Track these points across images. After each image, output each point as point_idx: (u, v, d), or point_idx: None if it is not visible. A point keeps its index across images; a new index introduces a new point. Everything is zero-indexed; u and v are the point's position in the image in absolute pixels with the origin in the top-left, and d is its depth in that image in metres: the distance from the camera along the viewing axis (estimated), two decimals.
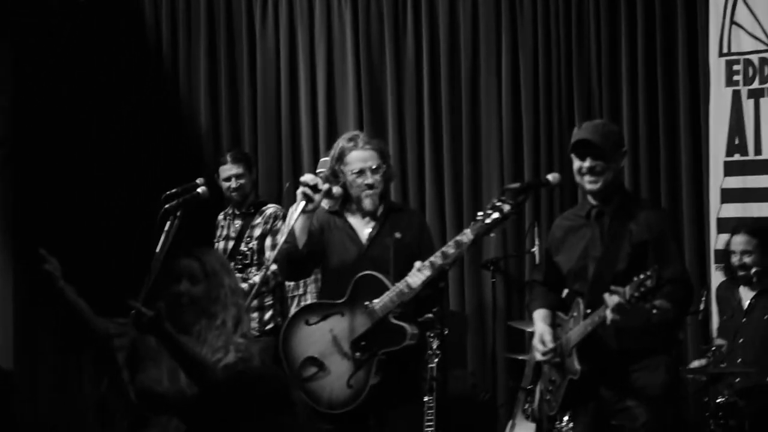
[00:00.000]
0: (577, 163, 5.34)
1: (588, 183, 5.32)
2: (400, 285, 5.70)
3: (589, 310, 5.18)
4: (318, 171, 7.15)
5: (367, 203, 5.98)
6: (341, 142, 6.06)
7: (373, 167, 5.96)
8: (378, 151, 6.01)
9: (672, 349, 5.50)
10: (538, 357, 5.48)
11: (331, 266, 6.06)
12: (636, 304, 4.87)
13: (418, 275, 5.65)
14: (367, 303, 5.81)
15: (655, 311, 4.98)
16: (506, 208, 5.37)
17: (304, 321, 6.01)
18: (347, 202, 6.08)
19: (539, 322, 5.55)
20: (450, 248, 5.60)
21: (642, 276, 4.83)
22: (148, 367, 4.67)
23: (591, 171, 5.27)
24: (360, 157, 5.97)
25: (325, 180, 5.99)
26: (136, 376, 4.68)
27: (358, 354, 5.82)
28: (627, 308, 4.90)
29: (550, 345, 5.39)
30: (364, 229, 6.03)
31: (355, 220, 6.06)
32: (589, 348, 5.23)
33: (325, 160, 7.23)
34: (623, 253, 5.20)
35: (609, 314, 4.97)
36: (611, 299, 4.94)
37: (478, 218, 5.44)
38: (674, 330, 5.55)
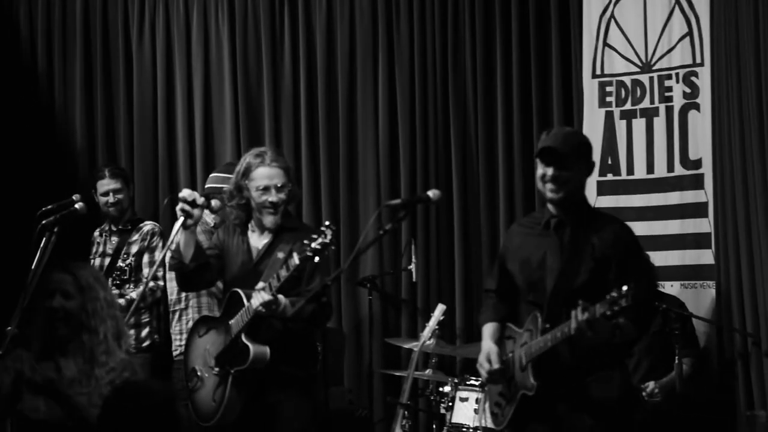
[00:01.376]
0: (540, 170, 5.18)
1: (549, 192, 5.17)
2: (246, 304, 5.80)
3: (548, 325, 5.03)
4: (207, 186, 7.14)
5: (269, 220, 6.03)
6: (248, 158, 6.10)
7: (279, 185, 6.00)
8: (284, 170, 6.06)
9: (625, 361, 5.40)
10: (483, 375, 5.31)
11: (226, 279, 6.12)
12: (604, 323, 4.73)
13: (257, 296, 5.74)
14: (230, 320, 5.91)
15: (618, 331, 4.85)
16: (329, 234, 5.50)
17: (197, 333, 6.17)
18: (249, 217, 6.11)
19: (487, 339, 5.39)
20: (282, 270, 5.69)
21: (615, 294, 4.63)
22: (27, 397, 4.61)
23: (554, 180, 5.13)
24: (266, 174, 6.00)
25: (229, 195, 6.05)
26: (17, 405, 4.62)
27: (216, 369, 5.95)
28: (596, 326, 4.75)
29: (496, 365, 5.22)
30: (258, 244, 6.06)
31: (253, 235, 6.09)
32: (543, 362, 5.06)
33: (215, 175, 7.23)
34: (585, 267, 5.07)
35: (574, 331, 4.81)
36: (580, 316, 4.76)
37: (305, 242, 5.53)
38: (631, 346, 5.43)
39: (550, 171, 5.14)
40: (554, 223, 5.25)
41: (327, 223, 5.62)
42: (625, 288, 4.60)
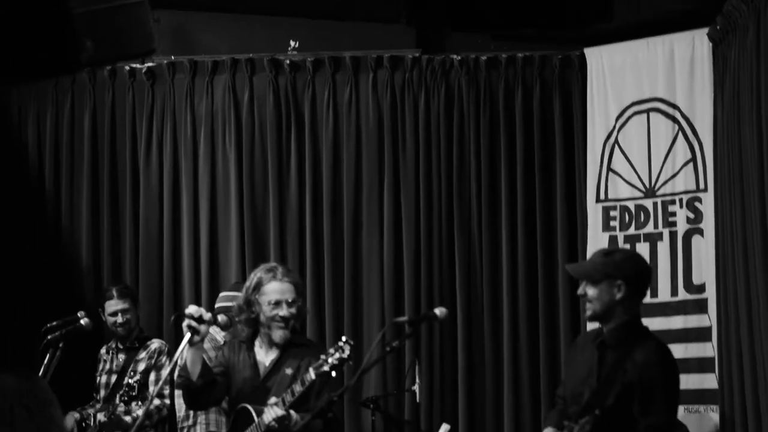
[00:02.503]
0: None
1: (586, 309, 5.46)
2: (257, 419, 5.79)
3: None
4: (217, 305, 7.14)
5: (278, 335, 6.03)
6: (259, 273, 6.13)
7: (290, 300, 6.02)
8: (295, 285, 6.09)
9: None
10: None
11: (232, 396, 6.09)
12: None
13: (270, 411, 5.74)
14: None
15: None
16: (347, 349, 5.51)
17: None
18: (257, 332, 6.11)
19: None
20: (297, 386, 5.73)
21: (584, 420, 4.85)
22: None
23: (582, 298, 5.44)
24: (278, 289, 6.04)
25: (238, 309, 6.07)
26: None
27: None
28: None
29: None
30: (266, 360, 6.06)
31: (260, 351, 6.09)
32: None
33: (225, 294, 7.24)
34: (614, 390, 5.17)
35: None
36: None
37: (322, 357, 5.56)
38: None
39: (579, 289, 5.42)
40: (599, 341, 5.42)
41: (344, 338, 5.64)
42: (588, 416, 4.85)
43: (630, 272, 5.40)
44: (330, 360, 5.56)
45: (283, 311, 6.00)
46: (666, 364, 5.35)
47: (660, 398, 5.19)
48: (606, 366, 5.33)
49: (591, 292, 5.36)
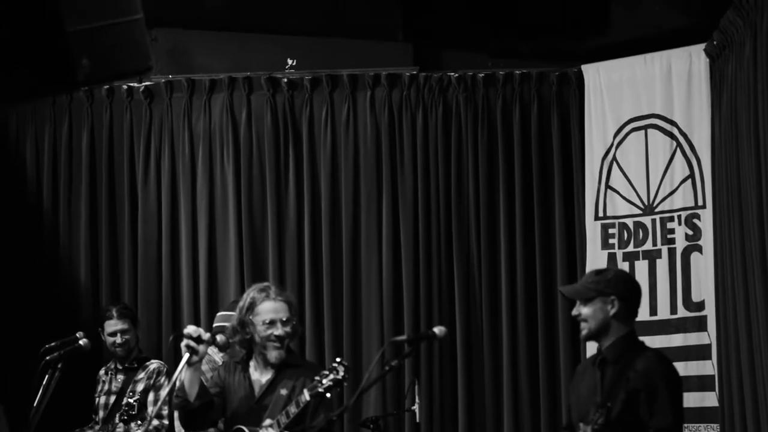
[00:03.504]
0: None
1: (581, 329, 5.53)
2: None
3: None
4: (215, 325, 7.12)
5: (273, 355, 6.02)
6: (252, 293, 6.12)
7: (284, 319, 6.02)
8: (289, 304, 6.08)
9: None
10: None
11: (228, 416, 6.07)
12: None
13: None
14: None
15: None
16: (341, 370, 5.51)
17: None
18: (251, 352, 6.09)
19: None
20: (292, 407, 5.72)
21: (596, 415, 4.91)
22: None
23: (577, 318, 5.51)
24: (271, 308, 6.03)
25: (232, 330, 6.05)
26: None
27: None
28: None
29: None
30: (261, 380, 6.04)
31: (255, 371, 6.07)
32: None
33: (222, 314, 7.22)
34: (619, 398, 5.24)
35: None
36: None
37: (316, 378, 5.55)
38: None
39: (574, 310, 5.52)
40: (599, 360, 5.49)
41: (339, 359, 5.63)
42: (600, 409, 4.91)
43: (622, 288, 5.51)
44: (324, 381, 5.55)
45: (278, 330, 5.99)
46: (668, 369, 5.44)
47: (664, 401, 5.27)
48: (608, 380, 5.38)
49: (585, 311, 5.45)
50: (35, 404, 5.78)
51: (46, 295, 9.00)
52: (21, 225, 9.14)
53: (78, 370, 7.06)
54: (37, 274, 9.06)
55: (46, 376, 5.99)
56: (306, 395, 5.61)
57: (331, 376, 5.54)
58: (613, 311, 5.43)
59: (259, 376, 6.08)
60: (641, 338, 5.63)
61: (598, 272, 5.63)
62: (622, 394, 5.25)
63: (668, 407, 5.28)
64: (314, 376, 5.80)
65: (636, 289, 5.64)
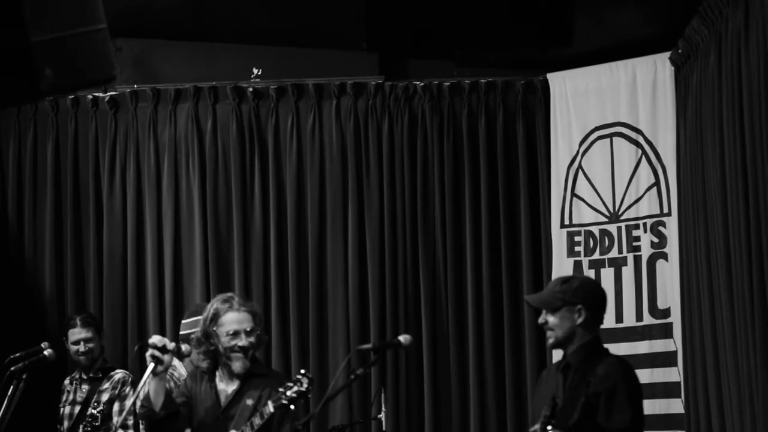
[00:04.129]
0: None
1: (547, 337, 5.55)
2: None
3: None
4: (182, 333, 7.09)
5: (238, 365, 6.02)
6: (216, 303, 6.11)
7: (248, 329, 6.01)
8: (252, 314, 6.07)
9: None
10: None
11: (194, 426, 6.06)
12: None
13: None
14: None
15: None
16: (305, 382, 5.52)
17: None
18: (217, 363, 6.08)
19: None
20: (256, 418, 5.73)
21: (545, 408, 4.93)
22: None
23: (544, 327, 5.52)
24: (235, 319, 6.02)
25: (197, 342, 6.04)
26: None
27: None
28: None
29: None
30: (227, 390, 6.03)
31: (221, 381, 6.06)
32: None
33: (186, 321, 7.19)
34: (579, 405, 5.21)
35: None
36: None
37: (280, 390, 5.55)
38: None
39: (540, 318, 5.52)
40: (563, 365, 5.52)
41: (303, 371, 5.63)
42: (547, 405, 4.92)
43: (588, 297, 5.53)
44: (288, 393, 5.55)
45: (242, 341, 5.99)
46: (627, 372, 5.45)
47: (623, 400, 5.27)
48: (569, 384, 5.40)
49: (552, 320, 5.47)
50: (0, 414, 5.74)
51: (10, 304, 8.94)
52: None
53: (43, 381, 7.02)
54: (2, 284, 9.00)
55: (11, 387, 5.95)
56: (270, 407, 5.62)
57: (295, 388, 5.54)
58: (579, 320, 5.45)
59: (225, 387, 6.08)
60: (607, 345, 5.65)
61: (564, 281, 5.64)
62: (582, 398, 5.23)
63: (627, 407, 5.27)
64: (280, 386, 5.80)
65: (602, 297, 5.67)
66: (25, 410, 6.37)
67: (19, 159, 9.23)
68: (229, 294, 6.28)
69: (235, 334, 5.98)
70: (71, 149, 9.17)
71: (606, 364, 5.40)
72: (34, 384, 6.13)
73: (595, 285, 5.84)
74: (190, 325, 7.01)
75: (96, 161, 9.18)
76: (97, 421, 7.41)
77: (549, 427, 4.91)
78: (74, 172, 9.19)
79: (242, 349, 5.98)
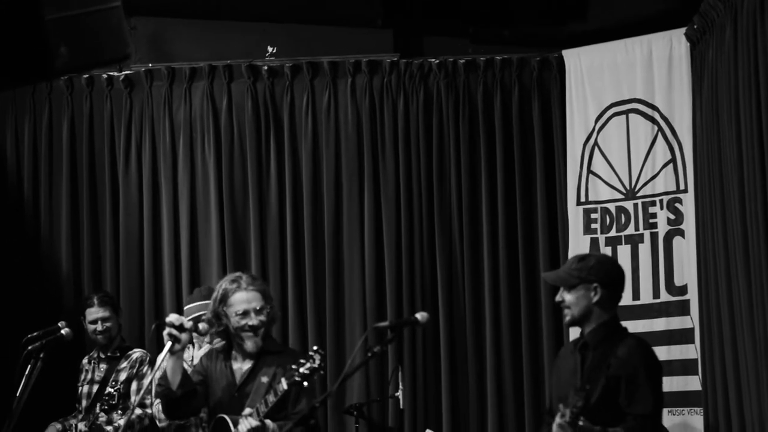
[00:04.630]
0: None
1: (564, 315, 5.56)
2: (233, 430, 5.79)
3: None
4: (194, 315, 7.08)
5: (250, 344, 6.04)
6: (224, 284, 6.13)
7: (257, 308, 6.03)
8: (261, 293, 6.08)
9: None
10: None
11: (210, 405, 6.07)
12: (574, 423, 4.88)
13: (244, 422, 5.77)
14: None
15: None
16: (317, 358, 5.52)
17: None
18: (231, 343, 6.10)
19: None
20: (270, 395, 5.75)
21: (576, 397, 4.88)
22: None
23: (561, 305, 5.54)
24: (244, 299, 6.04)
25: (208, 323, 6.05)
26: None
27: None
28: (567, 428, 4.90)
29: None
30: (242, 368, 6.04)
31: (235, 360, 6.08)
32: None
33: (197, 304, 7.18)
34: (599, 385, 5.26)
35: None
36: (556, 420, 4.96)
37: (293, 367, 5.55)
38: None
39: (557, 296, 5.54)
40: (580, 343, 5.52)
41: (315, 347, 5.64)
42: (579, 392, 4.85)
43: (604, 275, 5.51)
44: (301, 370, 5.55)
45: (252, 320, 6.01)
46: (647, 356, 5.46)
47: (644, 388, 5.29)
48: (589, 365, 5.41)
49: (568, 297, 5.48)
50: (17, 394, 5.76)
51: (28, 285, 8.96)
52: (1, 215, 9.09)
53: (60, 360, 7.04)
54: (19, 265, 9.02)
55: (29, 366, 5.96)
56: (284, 384, 5.62)
57: (308, 365, 5.55)
58: (596, 298, 5.45)
59: (240, 365, 6.09)
60: (624, 323, 5.65)
61: (581, 258, 5.63)
62: (602, 380, 5.27)
63: (649, 394, 5.30)
64: (293, 362, 5.80)
65: (619, 275, 5.65)
66: (43, 389, 6.39)
67: (35, 138, 9.24)
68: (238, 274, 6.29)
69: (245, 313, 6.00)
70: (86, 128, 9.18)
71: (626, 346, 5.39)
72: (51, 363, 6.15)
73: (612, 263, 5.80)
74: (201, 308, 7.02)
75: (111, 140, 9.18)
76: (114, 400, 7.44)
77: (580, 421, 4.89)
78: (89, 151, 9.19)
79: (252, 328, 6.00)
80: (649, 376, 5.34)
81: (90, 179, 9.17)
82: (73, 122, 9.19)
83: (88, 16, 3.23)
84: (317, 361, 5.58)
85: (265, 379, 5.92)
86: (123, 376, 7.55)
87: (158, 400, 6.61)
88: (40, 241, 9.17)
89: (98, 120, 9.19)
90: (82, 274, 9.12)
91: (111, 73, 9.11)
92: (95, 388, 7.59)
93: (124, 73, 9.10)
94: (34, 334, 6.15)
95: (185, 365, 6.60)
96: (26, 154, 9.22)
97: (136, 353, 7.68)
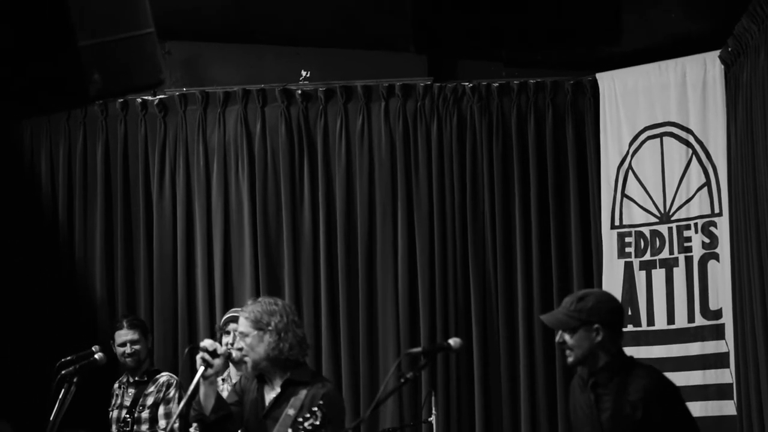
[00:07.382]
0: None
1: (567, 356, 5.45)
2: None
3: None
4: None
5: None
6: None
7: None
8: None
9: None
10: None
11: (243, 426, 6.05)
12: None
13: None
14: None
15: None
16: (319, 415, 5.47)
17: None
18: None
19: None
20: None
21: None
22: None
23: (560, 346, 5.41)
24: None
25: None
26: None
27: None
28: None
29: None
30: (270, 395, 6.02)
31: (266, 386, 6.06)
32: None
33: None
34: (625, 413, 5.20)
35: None
36: None
37: (299, 420, 5.50)
38: None
39: (557, 337, 5.40)
40: (591, 383, 5.39)
41: (321, 402, 5.53)
42: None
43: (605, 315, 5.37)
44: (306, 424, 5.49)
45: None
46: (660, 388, 5.33)
47: (670, 422, 5.21)
48: (605, 403, 5.31)
49: (570, 341, 5.34)
50: (51, 418, 5.76)
51: (62, 309, 9.00)
52: (36, 239, 9.14)
53: (94, 384, 7.05)
54: (53, 288, 9.06)
55: (62, 391, 5.97)
56: None
57: (311, 421, 5.47)
58: (598, 339, 5.31)
59: (269, 392, 6.06)
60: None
61: (579, 298, 5.47)
62: (626, 408, 5.19)
63: (686, 421, 5.24)
64: (318, 397, 5.72)
65: (619, 313, 5.53)
66: (77, 414, 6.39)
67: (69, 163, 9.28)
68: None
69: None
70: (121, 153, 9.22)
71: (636, 381, 5.28)
72: (85, 388, 6.16)
73: (610, 299, 5.62)
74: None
75: (146, 164, 9.21)
76: (128, 427, 7.42)
77: None
78: (124, 176, 9.23)
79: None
80: (670, 412, 5.25)
81: (124, 203, 9.20)
82: (107, 147, 9.23)
83: (121, 42, 3.25)
84: (318, 419, 5.49)
85: (291, 412, 5.87)
86: (150, 401, 7.54)
87: (195, 425, 6.59)
88: (75, 266, 9.20)
89: (132, 144, 9.23)
90: (116, 298, 9.14)
91: (145, 98, 9.15)
92: (124, 412, 7.59)
93: (158, 97, 9.14)
94: (68, 358, 6.15)
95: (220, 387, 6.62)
96: (61, 179, 9.26)
97: (163, 377, 7.67)
